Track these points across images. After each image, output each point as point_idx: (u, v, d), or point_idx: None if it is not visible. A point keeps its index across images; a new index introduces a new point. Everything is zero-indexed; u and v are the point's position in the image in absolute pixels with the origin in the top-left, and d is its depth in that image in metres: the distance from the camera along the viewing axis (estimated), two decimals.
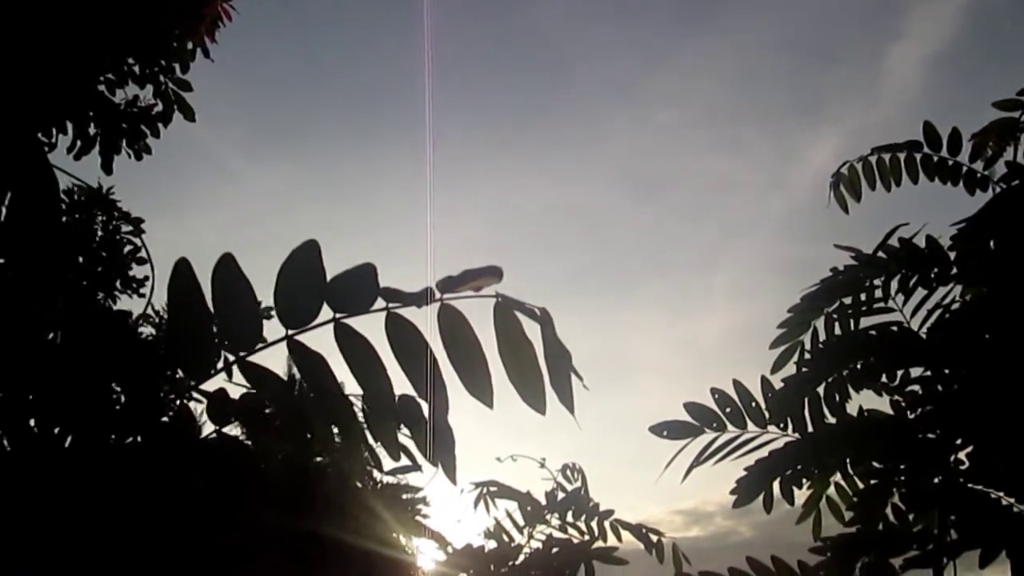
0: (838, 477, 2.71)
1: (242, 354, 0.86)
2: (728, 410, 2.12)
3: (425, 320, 0.88)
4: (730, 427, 2.15)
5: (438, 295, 0.86)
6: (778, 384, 2.34)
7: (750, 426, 2.16)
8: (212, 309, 0.80)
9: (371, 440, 1.72)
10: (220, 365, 0.85)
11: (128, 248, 5.14)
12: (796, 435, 2.22)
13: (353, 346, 0.89)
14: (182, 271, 0.79)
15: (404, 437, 2.56)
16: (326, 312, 0.87)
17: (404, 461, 2.49)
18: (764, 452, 2.20)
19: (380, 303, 0.87)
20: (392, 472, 2.41)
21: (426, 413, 1.24)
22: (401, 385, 1.02)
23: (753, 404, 2.13)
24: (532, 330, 0.88)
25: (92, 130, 4.34)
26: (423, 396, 0.92)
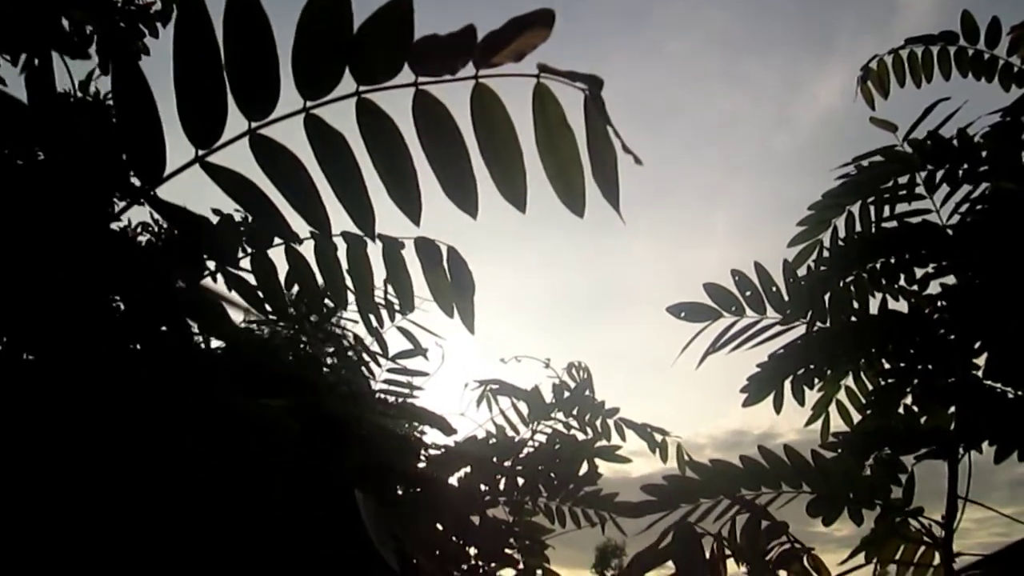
0: (850, 380, 2.67)
1: (255, 124, 0.77)
2: (748, 294, 2.05)
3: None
4: (749, 312, 2.08)
5: (472, 71, 0.77)
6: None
7: (769, 312, 2.10)
8: (224, 59, 0.72)
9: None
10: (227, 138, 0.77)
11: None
12: (816, 325, 2.16)
13: (380, 137, 0.80)
14: (194, 4, 0.68)
15: (409, 323, 2.49)
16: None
17: (407, 345, 2.45)
18: (782, 341, 2.14)
19: (406, 77, 0.78)
20: (396, 357, 2.36)
21: (444, 253, 1.17)
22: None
23: (774, 289, 2.06)
24: (570, 108, 0.79)
25: (88, 28, 4.18)
26: (453, 197, 0.83)
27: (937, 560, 2.00)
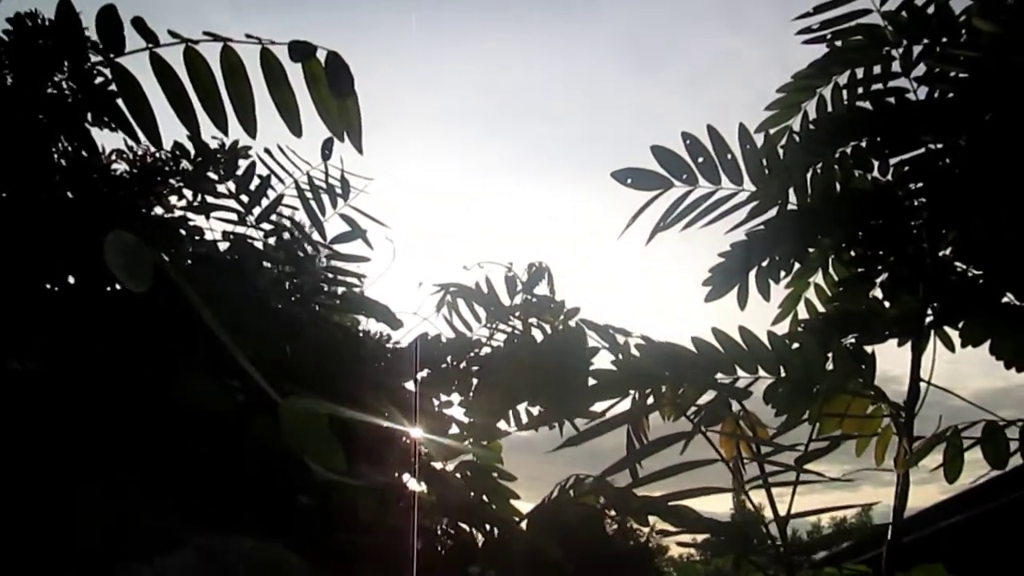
0: (819, 277, 2.55)
1: None
2: (701, 160, 1.90)
3: None
4: (702, 181, 1.94)
5: None
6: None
7: (724, 182, 1.95)
8: None
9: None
10: None
11: (100, 80, 4.84)
12: (771, 194, 2.02)
13: None
14: None
15: (351, 208, 2.37)
16: None
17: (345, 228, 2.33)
18: (739, 216, 2.01)
19: None
20: (335, 241, 2.24)
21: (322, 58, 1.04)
22: None
23: (729, 156, 1.92)
24: None
25: None
26: None
27: (887, 421, 1.90)
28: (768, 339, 1.92)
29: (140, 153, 2.95)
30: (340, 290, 2.28)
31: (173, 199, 2.38)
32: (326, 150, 2.02)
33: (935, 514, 7.50)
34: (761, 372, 1.97)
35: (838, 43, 2.22)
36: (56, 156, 2.11)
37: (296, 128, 1.16)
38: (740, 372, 1.97)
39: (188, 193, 2.43)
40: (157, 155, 2.38)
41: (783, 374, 1.95)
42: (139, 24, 1.10)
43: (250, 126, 1.14)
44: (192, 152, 2.06)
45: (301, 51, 1.01)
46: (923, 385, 1.93)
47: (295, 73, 1.14)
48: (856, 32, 2.01)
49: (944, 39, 2.15)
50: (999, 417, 1.63)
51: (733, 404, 1.64)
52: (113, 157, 3.63)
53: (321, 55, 1.05)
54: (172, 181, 2.51)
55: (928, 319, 1.95)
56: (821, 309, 2.55)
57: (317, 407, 0.85)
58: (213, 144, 2.27)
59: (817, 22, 1.99)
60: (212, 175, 2.25)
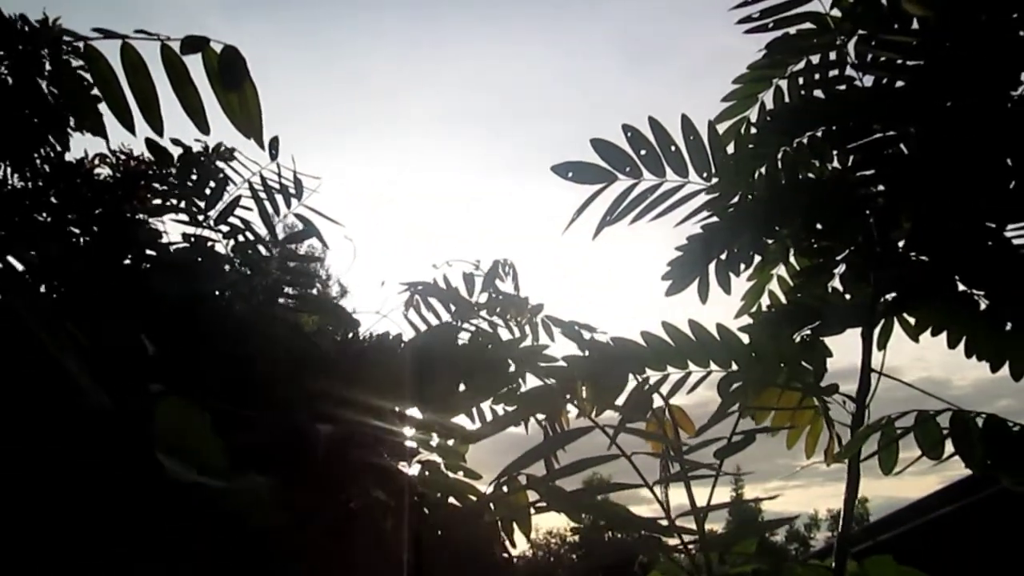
0: (782, 269, 2.53)
1: None
2: (643, 153, 1.88)
3: None
4: (646, 174, 1.92)
5: None
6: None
7: (669, 174, 1.93)
8: None
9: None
10: None
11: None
12: (726, 187, 2.00)
13: None
14: None
15: (305, 208, 2.36)
16: None
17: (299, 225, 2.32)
18: (687, 209, 1.99)
19: None
20: (287, 241, 2.23)
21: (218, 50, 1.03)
22: None
23: (672, 148, 1.90)
24: None
25: None
26: None
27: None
28: (718, 332, 1.91)
29: (123, 158, 2.96)
30: (292, 290, 2.27)
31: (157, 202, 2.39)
32: (272, 149, 2.02)
33: (932, 504, 7.49)
34: (713, 366, 1.96)
35: (792, 31, 2.21)
36: (39, 161, 2.11)
37: (202, 125, 1.15)
38: (692, 366, 1.96)
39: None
40: (141, 159, 2.38)
41: (734, 367, 1.93)
42: (26, 21, 1.09)
43: (156, 124, 1.13)
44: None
45: (192, 45, 1.00)
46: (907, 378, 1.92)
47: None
48: (804, 19, 1.99)
49: (896, 25, 2.13)
50: (953, 405, 1.61)
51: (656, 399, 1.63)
52: (96, 161, 3.62)
53: (218, 48, 1.03)
54: (156, 185, 2.50)
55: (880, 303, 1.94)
56: (784, 301, 2.53)
57: (192, 408, 0.84)
58: (196, 147, 2.28)
59: (757, 10, 1.97)
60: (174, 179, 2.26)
